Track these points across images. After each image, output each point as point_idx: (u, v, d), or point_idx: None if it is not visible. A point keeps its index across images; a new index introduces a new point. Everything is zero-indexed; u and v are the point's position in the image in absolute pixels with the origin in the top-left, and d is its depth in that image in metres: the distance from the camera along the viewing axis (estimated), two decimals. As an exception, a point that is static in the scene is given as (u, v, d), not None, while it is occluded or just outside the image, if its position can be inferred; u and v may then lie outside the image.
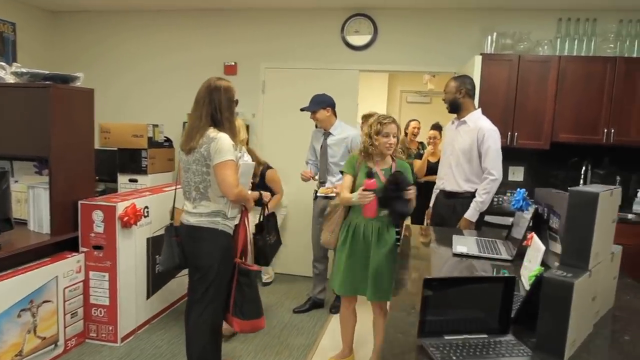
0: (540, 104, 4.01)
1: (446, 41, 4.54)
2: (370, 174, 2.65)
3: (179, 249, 2.65)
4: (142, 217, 3.38)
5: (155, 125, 4.52)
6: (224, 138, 2.46)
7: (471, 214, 3.13)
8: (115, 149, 4.50)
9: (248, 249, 2.86)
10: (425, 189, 4.21)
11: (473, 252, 2.31)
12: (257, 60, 4.96)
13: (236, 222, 2.67)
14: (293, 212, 4.87)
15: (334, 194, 3.67)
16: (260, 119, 4.97)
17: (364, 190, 2.59)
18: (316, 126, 4.00)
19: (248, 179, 2.78)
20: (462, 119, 3.26)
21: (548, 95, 3.99)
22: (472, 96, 3.29)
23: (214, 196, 2.53)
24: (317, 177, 3.98)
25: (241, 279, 2.68)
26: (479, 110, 3.30)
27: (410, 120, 5.36)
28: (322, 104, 3.84)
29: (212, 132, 2.50)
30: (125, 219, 3.21)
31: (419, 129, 5.36)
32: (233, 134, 2.58)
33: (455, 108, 3.29)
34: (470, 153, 3.17)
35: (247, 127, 4.32)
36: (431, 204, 3.53)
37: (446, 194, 3.32)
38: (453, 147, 3.28)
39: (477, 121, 3.19)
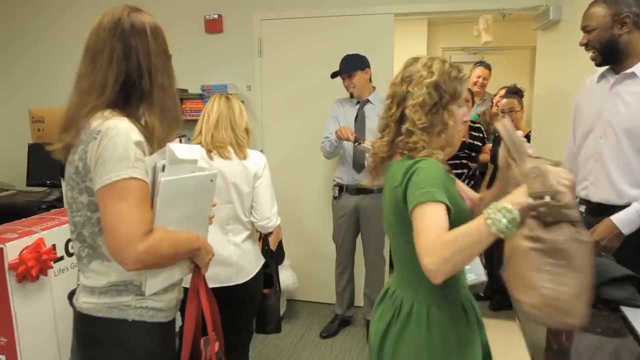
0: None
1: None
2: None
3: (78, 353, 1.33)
4: (54, 260, 2.07)
5: (106, 109, 3.19)
6: (117, 130, 1.15)
7: (627, 220, 1.75)
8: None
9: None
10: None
11: None
12: (248, 10, 3.55)
13: (172, 300, 1.35)
14: (303, 216, 3.54)
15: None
16: (258, 92, 3.59)
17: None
18: (351, 96, 3.08)
19: (201, 209, 1.41)
20: (626, 71, 1.81)
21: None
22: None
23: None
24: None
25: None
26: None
27: (476, 64, 3.82)
28: (361, 64, 3.00)
29: (101, 118, 1.17)
30: (22, 269, 1.92)
31: (485, 79, 3.89)
32: (173, 121, 1.30)
33: (613, 54, 1.83)
34: None
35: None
36: None
37: (593, 208, 1.89)
38: (605, 123, 1.85)
39: None
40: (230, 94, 2.11)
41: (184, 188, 1.29)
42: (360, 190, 3.03)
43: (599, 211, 1.82)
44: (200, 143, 1.96)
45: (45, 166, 3.35)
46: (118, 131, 1.14)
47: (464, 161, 3.41)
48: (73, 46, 3.90)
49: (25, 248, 1.95)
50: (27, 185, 3.90)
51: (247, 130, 2.03)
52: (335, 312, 3.35)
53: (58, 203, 3.37)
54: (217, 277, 1.94)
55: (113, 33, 1.24)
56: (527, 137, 3.38)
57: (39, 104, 3.56)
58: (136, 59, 1.24)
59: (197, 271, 1.43)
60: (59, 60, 4.01)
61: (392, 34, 3.34)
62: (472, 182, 3.47)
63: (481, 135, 3.47)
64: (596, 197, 1.86)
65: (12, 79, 4.24)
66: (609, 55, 1.83)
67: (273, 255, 2.29)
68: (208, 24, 3.61)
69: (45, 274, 2.02)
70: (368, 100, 3.06)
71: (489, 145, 3.51)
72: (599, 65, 1.89)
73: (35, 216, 2.35)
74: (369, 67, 3.01)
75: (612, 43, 1.80)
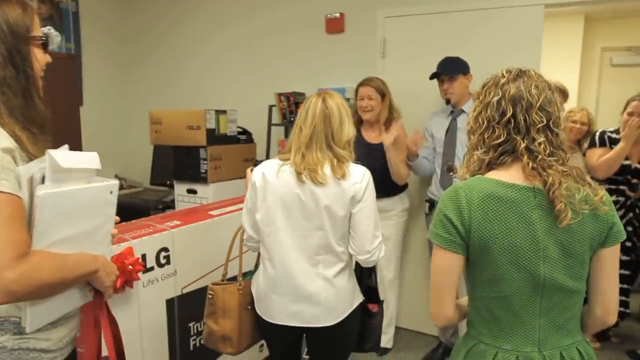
0: None
1: None
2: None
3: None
4: (141, 270, 1.95)
5: (220, 112, 3.09)
6: None
7: None
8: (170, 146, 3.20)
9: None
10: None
11: None
12: (372, 7, 3.23)
13: (64, 338, 1.16)
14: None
15: None
16: (378, 97, 3.25)
17: None
18: (447, 102, 2.78)
19: (99, 225, 1.20)
20: None
21: None
22: None
23: None
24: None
25: None
26: None
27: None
28: (464, 68, 2.70)
29: None
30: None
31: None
32: (30, 123, 1.12)
33: None
34: None
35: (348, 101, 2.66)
36: None
37: None
38: None
39: None
40: (332, 92, 1.77)
41: (74, 202, 1.09)
42: None
43: None
44: (287, 160, 1.69)
45: (167, 166, 3.40)
46: None
47: (621, 187, 2.86)
48: (192, 49, 3.96)
49: (113, 257, 1.86)
50: (151, 184, 4.05)
51: (348, 143, 1.70)
52: (440, 339, 2.98)
53: (173, 203, 3.41)
54: (301, 315, 1.65)
55: None
56: None
57: (160, 106, 3.63)
58: None
59: (98, 298, 1.20)
60: (195, 65, 4.10)
61: (540, 31, 2.78)
62: (631, 215, 2.84)
63: None
64: None
65: (142, 81, 4.44)
66: None
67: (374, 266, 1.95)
68: (329, 24, 3.37)
69: (131, 286, 1.90)
70: (462, 111, 2.73)
71: None
72: None
73: (134, 221, 2.28)
74: (470, 73, 2.72)
75: None
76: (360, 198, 1.64)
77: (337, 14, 3.33)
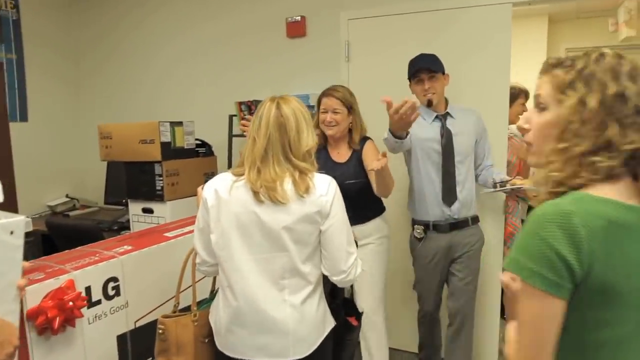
0: None
1: None
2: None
3: None
4: (84, 306, 1.71)
5: (175, 124, 2.87)
6: None
7: None
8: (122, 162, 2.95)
9: None
10: None
11: None
12: (334, 9, 3.09)
13: None
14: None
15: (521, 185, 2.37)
16: (344, 103, 3.10)
17: None
18: (428, 104, 2.42)
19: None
20: None
21: None
22: None
23: None
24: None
25: None
26: None
27: None
28: (442, 66, 2.43)
29: None
30: (41, 320, 1.57)
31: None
32: None
33: None
34: None
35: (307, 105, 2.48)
36: None
37: None
38: None
39: None
40: (287, 97, 1.56)
41: None
42: (454, 225, 2.45)
43: None
44: (242, 176, 1.49)
45: (121, 184, 3.15)
46: None
47: None
48: (145, 60, 3.73)
49: (50, 293, 1.62)
50: (105, 203, 3.77)
51: (309, 153, 1.50)
52: None
53: (129, 224, 3.16)
54: (268, 348, 1.46)
55: None
56: None
57: (113, 120, 3.39)
58: None
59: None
60: (152, 76, 3.87)
61: (509, 30, 2.68)
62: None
63: None
64: None
65: (94, 94, 4.16)
66: None
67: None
68: (290, 27, 3.20)
69: (73, 325, 1.67)
70: (448, 114, 2.46)
71: None
72: None
73: (79, 248, 2.04)
74: (447, 73, 2.47)
75: None
76: (328, 212, 1.46)
77: (298, 17, 3.17)
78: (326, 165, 2.26)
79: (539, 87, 0.99)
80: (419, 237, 2.48)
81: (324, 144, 2.44)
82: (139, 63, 3.89)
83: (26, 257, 2.35)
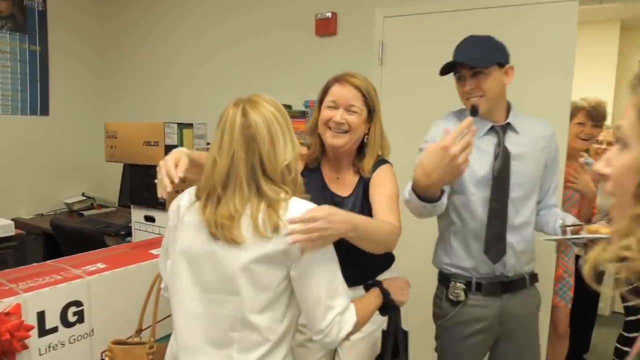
0: None
1: None
2: None
3: None
4: (26, 337, 1.44)
5: (184, 125, 2.61)
6: None
7: None
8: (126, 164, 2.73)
9: None
10: None
11: None
12: (368, 6, 2.74)
13: None
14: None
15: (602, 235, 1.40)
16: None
17: None
18: (473, 112, 1.48)
19: None
20: None
21: None
22: None
23: None
24: None
25: None
26: None
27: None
28: (500, 56, 1.65)
29: None
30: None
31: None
32: None
33: None
34: None
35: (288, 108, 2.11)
36: None
37: None
38: None
39: None
40: (256, 99, 1.18)
41: None
42: (506, 286, 1.69)
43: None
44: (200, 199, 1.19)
45: (134, 186, 2.93)
46: None
47: None
48: (169, 56, 3.52)
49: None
50: (119, 205, 3.59)
51: (288, 169, 1.15)
52: None
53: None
54: None
55: None
56: None
57: (135, 117, 3.20)
58: None
59: None
60: (157, 69, 3.67)
61: (574, 34, 2.25)
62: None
63: None
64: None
65: (117, 89, 4.00)
66: None
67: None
68: (319, 25, 2.88)
69: (12, 359, 1.40)
70: (509, 125, 1.68)
71: None
72: None
73: (43, 263, 1.79)
74: (511, 64, 1.67)
75: None
76: (299, 255, 1.10)
77: (329, 14, 2.85)
78: (318, 197, 1.44)
79: (623, 114, 0.63)
80: (455, 299, 1.72)
81: (318, 161, 1.66)
82: (163, 59, 3.70)
83: (5, 262, 2.14)
